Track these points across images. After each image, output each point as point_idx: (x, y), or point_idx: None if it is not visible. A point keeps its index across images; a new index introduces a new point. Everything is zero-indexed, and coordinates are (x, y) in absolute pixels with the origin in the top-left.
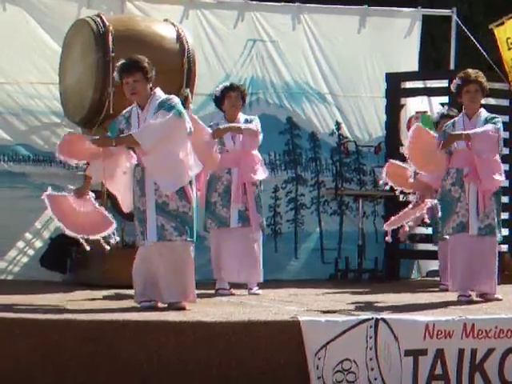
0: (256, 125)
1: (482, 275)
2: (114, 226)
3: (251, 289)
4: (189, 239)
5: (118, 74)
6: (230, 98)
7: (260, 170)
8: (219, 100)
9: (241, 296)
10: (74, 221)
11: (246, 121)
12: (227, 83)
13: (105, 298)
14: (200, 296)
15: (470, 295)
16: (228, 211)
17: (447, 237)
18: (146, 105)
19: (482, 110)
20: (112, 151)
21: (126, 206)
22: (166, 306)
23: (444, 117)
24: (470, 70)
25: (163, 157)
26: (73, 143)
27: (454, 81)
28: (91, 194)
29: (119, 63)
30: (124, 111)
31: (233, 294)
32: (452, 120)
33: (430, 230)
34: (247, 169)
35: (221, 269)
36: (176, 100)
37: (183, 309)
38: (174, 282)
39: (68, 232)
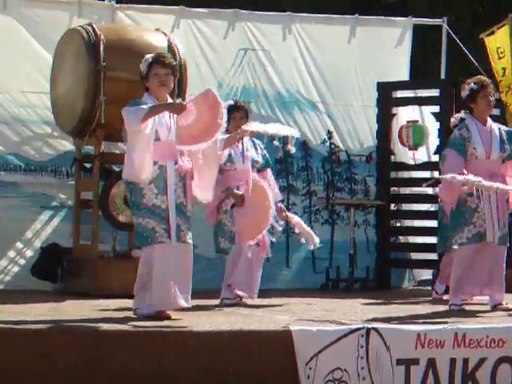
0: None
1: (495, 283)
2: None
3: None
4: (192, 242)
5: (150, 63)
6: (235, 118)
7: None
8: None
9: (231, 306)
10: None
11: (253, 140)
12: (231, 101)
13: (103, 307)
14: (200, 307)
15: (462, 304)
16: None
17: (456, 247)
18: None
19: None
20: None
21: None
22: (158, 315)
23: (462, 121)
24: (480, 76)
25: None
26: None
27: (467, 86)
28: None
29: (153, 54)
30: (138, 100)
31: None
32: (463, 124)
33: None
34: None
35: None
36: None
37: (169, 318)
38: (183, 285)
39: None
